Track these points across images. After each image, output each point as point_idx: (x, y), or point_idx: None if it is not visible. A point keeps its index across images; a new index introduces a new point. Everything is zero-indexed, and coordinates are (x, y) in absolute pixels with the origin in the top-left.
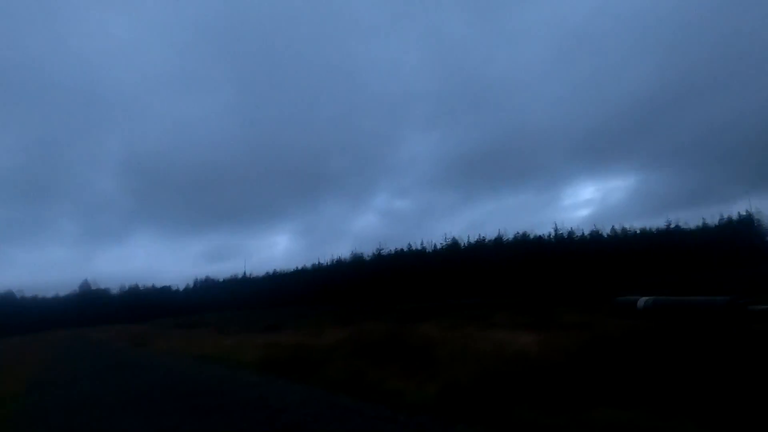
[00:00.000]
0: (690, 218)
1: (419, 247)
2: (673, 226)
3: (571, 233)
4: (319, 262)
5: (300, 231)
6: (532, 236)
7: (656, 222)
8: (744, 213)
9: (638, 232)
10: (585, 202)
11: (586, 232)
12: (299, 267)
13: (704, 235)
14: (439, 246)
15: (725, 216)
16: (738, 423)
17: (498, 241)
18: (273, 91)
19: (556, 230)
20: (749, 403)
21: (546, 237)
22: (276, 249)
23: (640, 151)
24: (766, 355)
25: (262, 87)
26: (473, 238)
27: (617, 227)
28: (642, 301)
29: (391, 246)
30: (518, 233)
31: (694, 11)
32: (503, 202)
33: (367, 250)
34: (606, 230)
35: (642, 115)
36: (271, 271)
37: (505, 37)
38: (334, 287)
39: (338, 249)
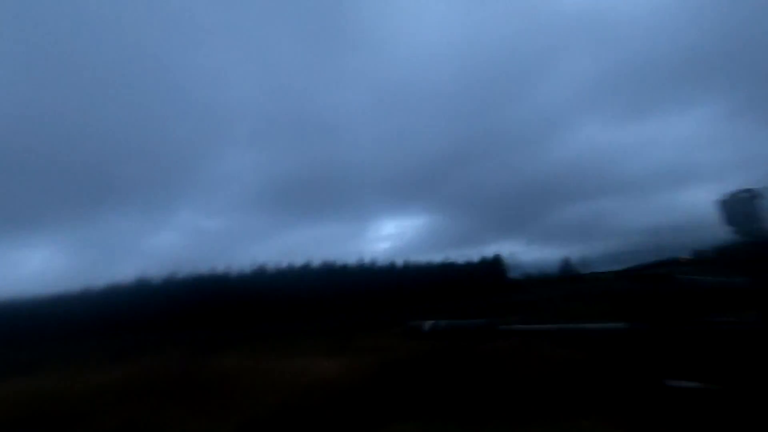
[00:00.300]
0: (462, 255)
1: (222, 272)
2: (449, 261)
3: (372, 263)
4: (89, 286)
5: (71, 246)
6: (338, 265)
7: (438, 256)
8: (496, 253)
9: (424, 264)
10: (386, 236)
11: (386, 263)
12: (61, 291)
13: (469, 269)
14: (245, 271)
15: (484, 255)
16: (491, 419)
17: (305, 268)
18: (64, 73)
19: (360, 260)
20: (501, 403)
21: (350, 266)
22: (29, 267)
23: (430, 197)
24: (510, 363)
25: (51, 65)
26: (283, 264)
27: (410, 260)
28: (426, 324)
29: (192, 269)
30: (326, 261)
31: (476, 100)
32: (314, 230)
33: (163, 273)
34: (401, 262)
35: (434, 168)
36: (15, 295)
37: (334, 76)
38: (110, 316)
39: (126, 270)
